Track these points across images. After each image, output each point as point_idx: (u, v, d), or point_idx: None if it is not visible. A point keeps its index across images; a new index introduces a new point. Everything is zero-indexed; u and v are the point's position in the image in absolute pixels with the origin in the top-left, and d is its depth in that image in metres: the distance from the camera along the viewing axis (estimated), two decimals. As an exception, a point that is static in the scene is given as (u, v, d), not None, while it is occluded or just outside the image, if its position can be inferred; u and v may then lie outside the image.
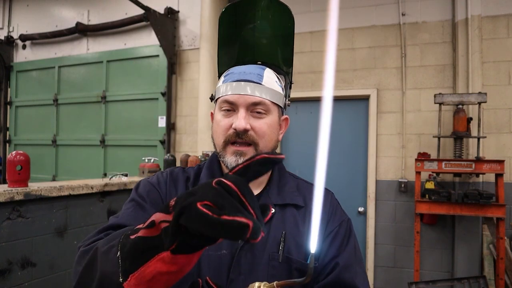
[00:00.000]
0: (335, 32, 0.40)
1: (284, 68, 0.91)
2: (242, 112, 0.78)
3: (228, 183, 0.42)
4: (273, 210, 0.81)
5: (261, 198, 0.84)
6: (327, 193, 0.91)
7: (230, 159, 0.79)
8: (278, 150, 4.12)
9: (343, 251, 0.81)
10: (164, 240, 0.46)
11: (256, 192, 0.86)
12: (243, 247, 0.77)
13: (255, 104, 0.79)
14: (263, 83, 0.80)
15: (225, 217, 0.39)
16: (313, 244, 0.45)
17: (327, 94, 0.43)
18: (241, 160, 0.77)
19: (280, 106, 0.85)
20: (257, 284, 0.49)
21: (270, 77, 0.82)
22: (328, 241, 0.81)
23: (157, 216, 0.49)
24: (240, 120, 0.77)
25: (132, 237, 0.52)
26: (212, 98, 0.89)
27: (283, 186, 0.88)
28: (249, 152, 0.79)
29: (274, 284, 0.48)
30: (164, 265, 0.47)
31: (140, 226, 0.52)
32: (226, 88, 0.80)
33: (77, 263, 0.64)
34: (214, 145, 0.84)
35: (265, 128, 0.80)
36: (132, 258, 0.50)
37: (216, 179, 0.43)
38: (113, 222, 0.77)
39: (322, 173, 0.45)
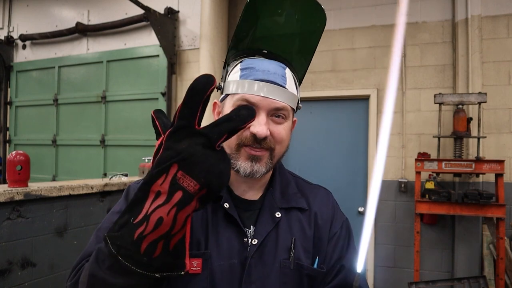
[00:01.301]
0: (402, 28, 0.40)
1: (298, 65, 0.84)
2: (263, 117, 0.72)
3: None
4: (279, 215, 0.80)
5: (265, 201, 0.82)
6: (327, 193, 0.90)
7: (245, 164, 0.73)
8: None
9: (346, 252, 0.81)
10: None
11: (259, 194, 0.84)
12: (253, 255, 0.75)
13: (278, 109, 0.74)
14: (286, 86, 0.75)
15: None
16: (360, 264, 0.42)
17: (390, 96, 0.41)
18: (256, 167, 0.74)
19: (294, 110, 0.81)
20: None
21: (290, 79, 0.78)
22: (332, 243, 0.82)
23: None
24: (262, 126, 0.71)
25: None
26: (219, 88, 0.81)
27: (286, 187, 0.85)
28: (264, 157, 0.75)
29: None
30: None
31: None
32: (247, 86, 0.73)
33: None
34: None
35: (283, 133, 0.76)
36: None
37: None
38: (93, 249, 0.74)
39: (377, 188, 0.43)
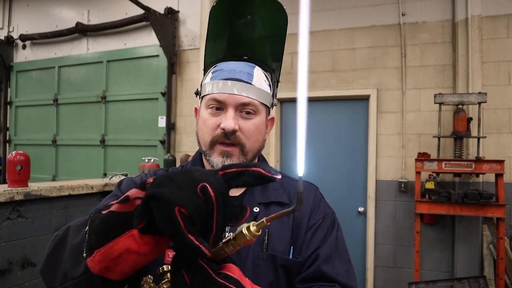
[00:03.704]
0: (307, 34, 0.40)
1: (272, 65, 0.89)
2: (231, 112, 0.77)
3: (212, 194, 0.41)
4: (257, 209, 0.80)
5: (244, 198, 0.82)
6: (310, 187, 0.90)
7: (217, 160, 0.78)
8: (277, 149, 4.08)
9: (325, 243, 0.79)
10: (135, 217, 0.45)
11: (240, 191, 0.84)
12: None
13: (244, 104, 0.78)
14: (253, 82, 0.79)
15: (193, 238, 0.39)
16: (300, 167, 0.43)
17: (302, 93, 0.41)
18: (228, 162, 0.77)
19: (268, 106, 0.84)
20: (245, 225, 0.46)
21: (259, 76, 0.82)
22: (310, 233, 0.80)
23: (132, 192, 0.47)
24: (229, 121, 0.76)
25: (104, 212, 0.49)
26: (197, 93, 0.88)
27: (267, 184, 0.86)
28: (235, 152, 0.78)
29: (264, 220, 0.46)
30: (135, 243, 0.45)
31: (114, 202, 0.50)
32: (215, 86, 0.79)
33: (48, 246, 0.61)
34: (199, 143, 0.83)
35: (252, 129, 0.80)
36: (100, 233, 0.48)
37: (201, 183, 0.41)
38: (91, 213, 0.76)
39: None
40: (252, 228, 0.46)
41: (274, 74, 0.90)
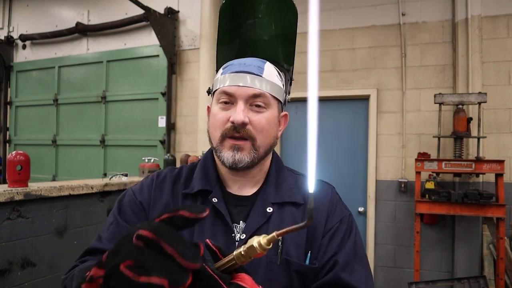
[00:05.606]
0: (316, 34, 0.40)
1: (285, 65, 0.87)
2: (240, 105, 0.75)
3: (148, 234, 0.39)
4: (270, 210, 0.78)
5: (257, 198, 0.81)
6: (328, 187, 0.88)
7: (227, 154, 0.75)
8: (277, 149, 4.09)
9: (343, 248, 0.77)
10: None
11: (253, 191, 0.83)
12: None
13: (255, 96, 0.76)
14: (263, 75, 0.77)
15: (143, 278, 0.38)
16: (311, 184, 0.43)
17: (312, 94, 0.41)
18: (238, 156, 0.75)
19: (280, 101, 0.82)
20: (256, 239, 0.46)
21: (270, 71, 0.80)
22: (327, 237, 0.78)
23: (94, 271, 0.45)
24: (239, 113, 0.74)
25: None
26: (209, 92, 0.86)
27: (281, 183, 0.84)
28: (246, 146, 0.76)
29: (275, 234, 0.46)
30: None
31: (89, 274, 0.47)
32: (225, 79, 0.77)
33: None
34: (210, 139, 0.81)
35: (263, 122, 0.76)
36: None
37: (136, 232, 0.40)
38: (92, 246, 0.76)
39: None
40: (263, 242, 0.46)
41: (288, 74, 0.88)
